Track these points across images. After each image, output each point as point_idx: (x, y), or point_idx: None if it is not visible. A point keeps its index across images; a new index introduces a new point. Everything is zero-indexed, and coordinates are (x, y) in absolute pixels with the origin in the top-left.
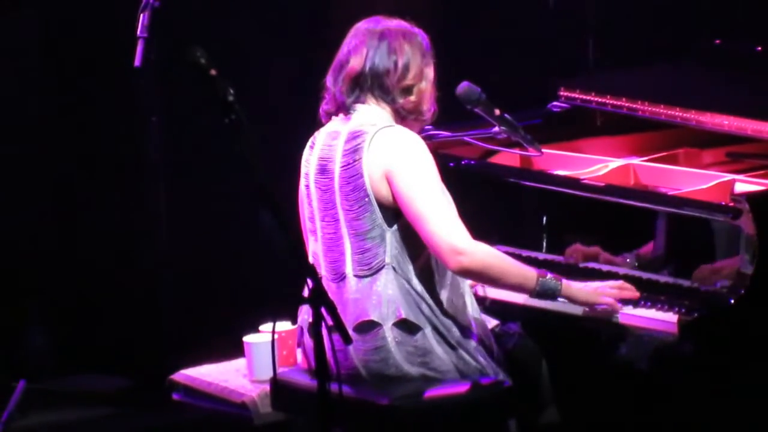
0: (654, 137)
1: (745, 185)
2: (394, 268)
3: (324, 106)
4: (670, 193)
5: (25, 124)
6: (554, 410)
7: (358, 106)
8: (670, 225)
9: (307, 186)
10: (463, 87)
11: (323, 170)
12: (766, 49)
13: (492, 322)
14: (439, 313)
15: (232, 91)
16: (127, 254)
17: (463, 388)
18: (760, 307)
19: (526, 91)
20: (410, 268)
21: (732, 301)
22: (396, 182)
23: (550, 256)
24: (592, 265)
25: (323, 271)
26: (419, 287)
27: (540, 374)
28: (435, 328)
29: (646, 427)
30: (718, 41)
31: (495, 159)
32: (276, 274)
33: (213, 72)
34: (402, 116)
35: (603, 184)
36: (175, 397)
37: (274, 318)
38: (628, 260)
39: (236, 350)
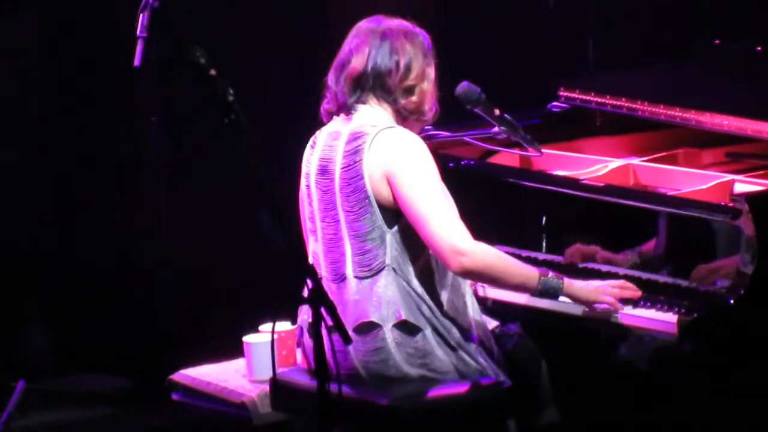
0: (653, 137)
1: (744, 185)
2: (394, 270)
3: (325, 106)
4: (670, 193)
5: (25, 124)
6: (554, 410)
7: (360, 107)
8: (669, 225)
9: (308, 186)
10: (463, 87)
11: (324, 171)
12: (766, 49)
13: (492, 323)
14: (439, 315)
15: (231, 91)
16: (127, 254)
17: (462, 388)
18: (760, 307)
19: (525, 91)
20: (410, 269)
21: (731, 301)
22: (397, 183)
23: (549, 257)
24: (591, 265)
25: (323, 271)
26: (419, 288)
27: (540, 375)
28: (435, 330)
29: (646, 427)
30: (717, 41)
31: (495, 159)
32: (275, 275)
33: (213, 72)
34: (403, 116)
35: (602, 185)
36: (174, 397)
37: (274, 318)
38: (629, 257)
39: (236, 350)
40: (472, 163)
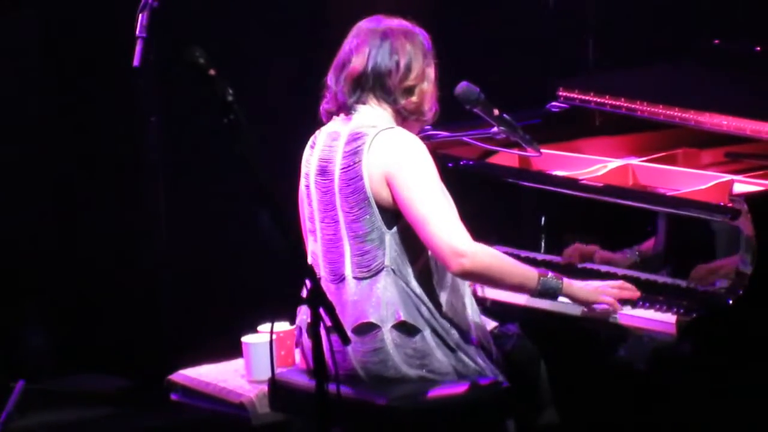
0: (653, 137)
1: (743, 185)
2: (393, 271)
3: (325, 105)
4: (669, 193)
5: (25, 124)
6: (553, 411)
7: (359, 107)
8: (669, 225)
9: (307, 186)
10: (462, 87)
11: (323, 171)
12: (766, 49)
13: (491, 324)
14: (438, 316)
15: (231, 91)
16: (127, 254)
17: (461, 388)
18: (759, 308)
19: (525, 91)
20: (409, 270)
21: (730, 302)
22: (396, 184)
23: (548, 257)
24: (590, 265)
25: (322, 271)
26: (418, 290)
27: (539, 375)
28: (434, 331)
29: (645, 427)
30: (717, 41)
31: (494, 159)
32: (274, 275)
33: (212, 72)
34: (403, 117)
35: (601, 185)
36: (173, 397)
37: (273, 318)
38: (628, 255)
39: (235, 351)
40: (471, 163)
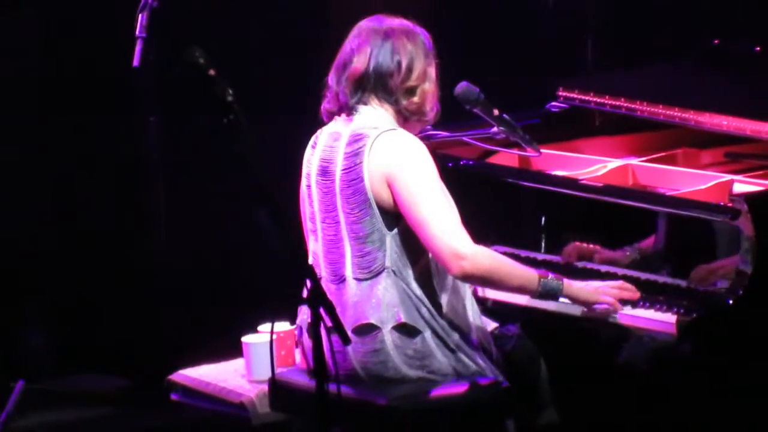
0: (652, 137)
1: (743, 185)
2: (393, 272)
3: (326, 105)
4: (669, 193)
5: (25, 124)
6: (553, 411)
7: (361, 107)
8: (669, 225)
9: (308, 186)
10: (462, 87)
11: (324, 172)
12: (766, 49)
13: (491, 325)
14: (438, 317)
15: (230, 91)
16: (126, 254)
17: (461, 388)
18: (759, 308)
19: (524, 91)
20: (410, 272)
21: (730, 302)
22: (397, 186)
23: (548, 257)
24: (590, 265)
25: (323, 272)
26: (418, 291)
27: (539, 375)
28: (434, 332)
29: (646, 427)
30: (716, 41)
31: (493, 159)
32: (274, 275)
33: (211, 72)
34: (405, 117)
35: (601, 185)
36: (173, 397)
37: (273, 318)
38: (628, 253)
39: (235, 350)
40: (470, 163)
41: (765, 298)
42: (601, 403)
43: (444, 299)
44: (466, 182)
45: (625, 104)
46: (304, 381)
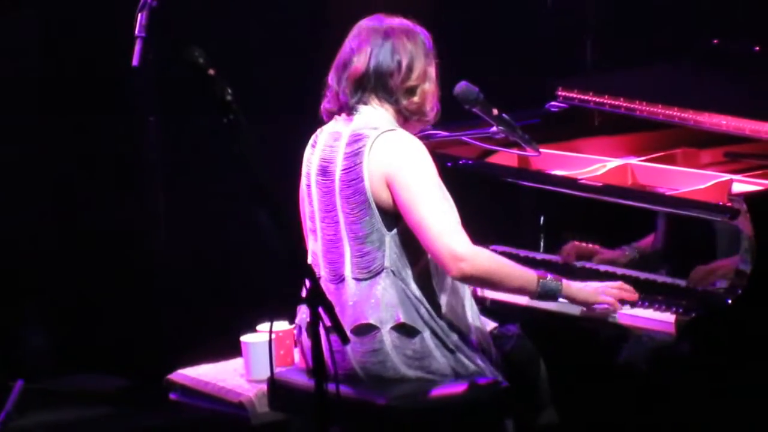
0: (652, 137)
1: (742, 185)
2: (393, 272)
3: (326, 105)
4: (668, 193)
5: (25, 124)
6: (552, 411)
7: (361, 107)
8: (668, 225)
9: (308, 186)
10: (461, 87)
11: (324, 172)
12: (765, 49)
13: (491, 325)
14: (437, 318)
15: (230, 91)
16: (126, 254)
17: (460, 388)
18: (758, 308)
19: (524, 91)
20: (409, 272)
21: (729, 302)
22: (397, 187)
23: (547, 256)
24: (589, 265)
25: (322, 271)
26: (417, 292)
27: (538, 375)
28: (433, 332)
29: (645, 427)
30: (716, 41)
31: (493, 159)
32: (274, 274)
33: (211, 72)
34: (405, 117)
35: (601, 184)
36: (172, 396)
37: (272, 318)
38: (627, 253)
39: (234, 350)
40: (470, 162)
41: (764, 298)
42: (600, 403)
43: (443, 300)
44: (466, 182)
45: (625, 104)
46: (303, 380)
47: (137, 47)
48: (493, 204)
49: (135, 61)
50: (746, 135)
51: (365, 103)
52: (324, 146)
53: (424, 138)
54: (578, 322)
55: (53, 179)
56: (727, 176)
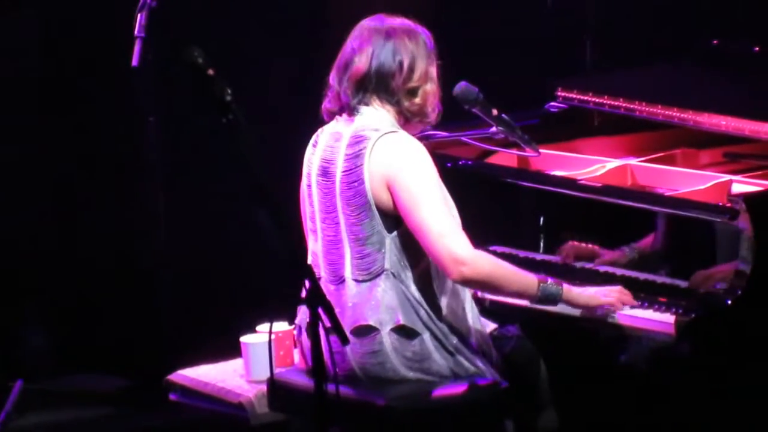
0: (651, 137)
1: (742, 186)
2: (393, 274)
3: (326, 105)
4: (668, 193)
5: (25, 124)
6: (552, 412)
7: (362, 108)
8: (667, 225)
9: (309, 186)
10: (461, 87)
11: (325, 172)
12: (764, 50)
13: (490, 326)
14: (437, 320)
15: (229, 91)
16: (126, 254)
17: (460, 388)
18: (757, 308)
19: (523, 91)
20: (409, 274)
21: (729, 302)
22: (397, 190)
23: (547, 257)
24: (589, 265)
25: (322, 272)
26: (417, 294)
27: (538, 376)
28: (433, 335)
29: (645, 427)
30: (715, 41)
31: (492, 159)
32: (273, 275)
33: (210, 72)
34: (406, 118)
35: (600, 185)
36: (172, 397)
37: (271, 318)
38: (626, 253)
39: (233, 351)
40: (469, 163)
41: (763, 298)
42: (600, 403)
43: (443, 302)
44: (465, 182)
45: (624, 104)
46: (302, 381)
47: (137, 47)
48: (492, 204)
49: (134, 62)
50: (746, 135)
51: (366, 104)
52: (325, 147)
53: (424, 138)
54: (578, 323)
55: (53, 179)
56: (726, 177)
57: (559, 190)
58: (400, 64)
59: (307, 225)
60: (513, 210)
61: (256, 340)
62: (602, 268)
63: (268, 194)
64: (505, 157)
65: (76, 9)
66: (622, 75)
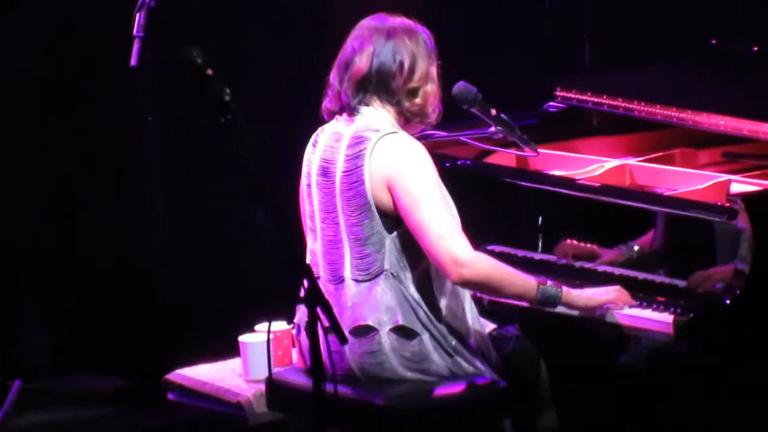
0: (650, 137)
1: (741, 185)
2: (392, 275)
3: (327, 104)
4: (666, 193)
5: (25, 124)
6: (553, 412)
7: (363, 108)
8: (666, 225)
9: (309, 185)
10: (460, 87)
11: (325, 172)
12: (763, 49)
13: (490, 326)
14: (436, 321)
15: (228, 91)
16: (125, 254)
17: (458, 388)
18: (756, 307)
19: (522, 91)
20: (408, 275)
21: (727, 302)
22: (397, 191)
23: (545, 256)
24: (588, 265)
25: (321, 271)
26: (416, 295)
27: (539, 377)
28: (432, 335)
29: (645, 427)
30: (714, 41)
31: (491, 159)
32: (272, 274)
33: (209, 71)
34: (407, 118)
35: (599, 185)
36: (170, 396)
37: (270, 318)
38: (624, 251)
39: (232, 350)
40: (468, 162)
41: (762, 298)
42: (600, 403)
43: (443, 303)
44: (464, 182)
45: (623, 104)
46: (301, 380)
47: (135, 47)
48: (491, 204)
49: (133, 61)
50: (744, 135)
51: (367, 104)
52: (325, 146)
53: (422, 138)
54: (577, 323)
55: (53, 179)
56: (725, 176)
57: (557, 189)
58: (401, 64)
59: (306, 224)
60: (511, 209)
61: (255, 339)
62: (601, 268)
63: (266, 194)
64: (504, 157)
65: (76, 9)
66: (621, 75)
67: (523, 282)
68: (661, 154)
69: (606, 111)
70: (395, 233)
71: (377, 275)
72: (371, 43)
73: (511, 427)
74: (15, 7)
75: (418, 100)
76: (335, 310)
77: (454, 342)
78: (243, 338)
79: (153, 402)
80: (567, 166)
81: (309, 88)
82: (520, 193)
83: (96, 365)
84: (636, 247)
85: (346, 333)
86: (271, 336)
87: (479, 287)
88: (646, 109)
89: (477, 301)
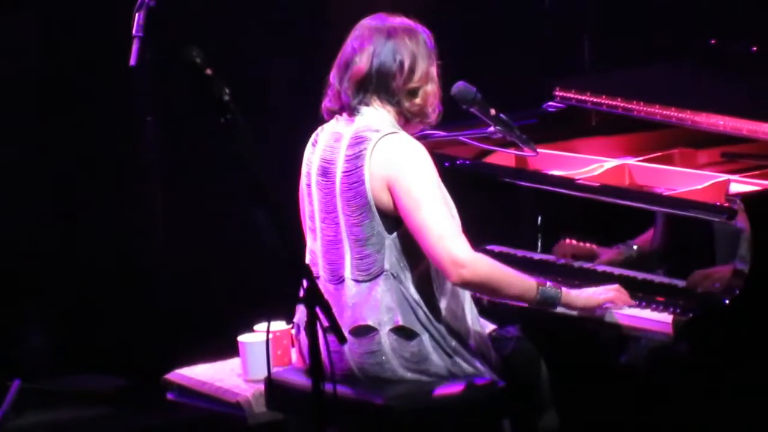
0: (649, 137)
1: (740, 185)
2: (392, 275)
3: (327, 104)
4: (666, 193)
5: (25, 124)
6: (553, 412)
7: (363, 108)
8: (665, 225)
9: (308, 185)
10: (459, 87)
11: (325, 172)
12: (762, 49)
13: (489, 327)
14: (436, 321)
15: (227, 91)
16: (125, 254)
17: (457, 388)
18: (755, 307)
19: (521, 91)
20: (408, 275)
21: (727, 301)
22: (398, 192)
23: (545, 256)
24: (587, 265)
25: (321, 271)
26: (416, 295)
27: (539, 377)
28: (432, 336)
29: (644, 427)
30: (713, 41)
31: (490, 159)
32: (271, 274)
33: (209, 71)
34: (407, 118)
35: (598, 184)
36: (169, 396)
37: (269, 318)
38: (622, 250)
39: (231, 350)
40: (467, 162)
41: (761, 298)
42: (599, 403)
43: (443, 303)
44: (463, 182)
45: (622, 104)
46: (300, 380)
47: (134, 47)
48: (490, 204)
49: (132, 61)
50: (744, 135)
51: (367, 104)
52: (325, 146)
53: (422, 138)
54: (577, 323)
55: (53, 179)
56: (724, 176)
57: (556, 189)
58: (401, 64)
59: (306, 224)
60: (511, 209)
61: (254, 339)
62: (600, 268)
63: (266, 194)
64: (503, 157)
65: (76, 9)
66: (620, 75)
67: (523, 283)
68: (660, 154)
69: (605, 111)
70: (395, 234)
71: (377, 275)
72: (371, 42)
73: (510, 428)
74: (15, 7)
75: (418, 100)
76: (335, 310)
77: (453, 342)
78: (242, 338)
79: (152, 402)
80: (566, 166)
81: (309, 88)
82: (519, 193)
83: (96, 365)
84: (635, 247)
85: (346, 333)
86: (271, 336)
87: (479, 288)
88: (645, 109)
89: (477, 301)
